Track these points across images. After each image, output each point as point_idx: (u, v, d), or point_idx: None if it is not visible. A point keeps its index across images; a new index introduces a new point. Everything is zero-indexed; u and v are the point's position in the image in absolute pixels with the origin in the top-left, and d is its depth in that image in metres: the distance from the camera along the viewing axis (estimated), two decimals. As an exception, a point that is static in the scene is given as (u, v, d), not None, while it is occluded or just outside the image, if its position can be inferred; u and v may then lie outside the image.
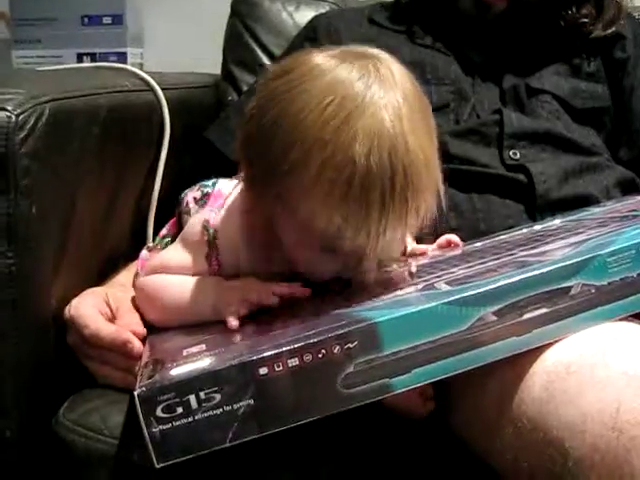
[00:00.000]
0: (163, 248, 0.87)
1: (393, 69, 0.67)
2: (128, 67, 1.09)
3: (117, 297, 0.85)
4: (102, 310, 0.82)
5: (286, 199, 0.66)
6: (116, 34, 1.71)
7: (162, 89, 1.02)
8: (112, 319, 0.82)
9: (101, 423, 0.78)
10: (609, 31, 1.08)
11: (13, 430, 0.79)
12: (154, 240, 0.96)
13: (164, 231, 0.91)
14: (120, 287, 0.89)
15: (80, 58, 1.72)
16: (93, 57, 1.71)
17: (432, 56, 1.07)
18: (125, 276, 0.92)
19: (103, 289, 0.87)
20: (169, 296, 0.77)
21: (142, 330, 0.80)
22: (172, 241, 0.86)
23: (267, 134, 0.66)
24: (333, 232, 0.64)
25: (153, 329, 0.78)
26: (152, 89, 1.01)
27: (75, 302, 0.83)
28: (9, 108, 0.76)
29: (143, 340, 0.77)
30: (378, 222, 0.63)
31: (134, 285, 0.84)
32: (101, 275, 0.92)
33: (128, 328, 0.80)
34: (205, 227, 0.76)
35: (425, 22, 1.12)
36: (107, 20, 1.71)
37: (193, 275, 0.76)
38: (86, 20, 1.72)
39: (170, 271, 0.77)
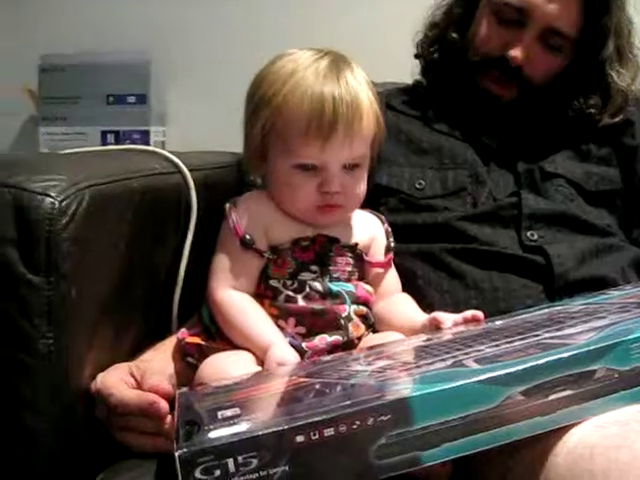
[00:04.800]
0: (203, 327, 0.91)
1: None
2: (157, 149, 1.10)
3: (140, 367, 0.88)
4: (126, 380, 0.85)
5: (275, 128, 0.87)
6: (140, 113, 1.75)
7: (189, 170, 1.04)
8: (137, 388, 0.84)
9: (135, 497, 0.79)
10: (616, 119, 1.11)
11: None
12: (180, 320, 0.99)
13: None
14: (144, 363, 0.90)
15: (104, 136, 1.76)
16: (117, 135, 1.75)
17: (449, 142, 1.11)
18: (150, 354, 0.94)
19: (127, 364, 0.89)
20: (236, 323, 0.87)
21: (168, 388, 0.82)
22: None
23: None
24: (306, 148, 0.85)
25: (181, 389, 0.79)
26: (180, 171, 1.03)
27: (100, 376, 0.86)
28: (52, 194, 0.78)
29: (172, 400, 0.78)
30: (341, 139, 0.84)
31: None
32: (128, 353, 0.93)
33: (153, 390, 0.82)
34: (228, 204, 0.91)
35: (440, 108, 1.16)
36: (131, 99, 1.75)
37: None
38: (111, 99, 1.76)
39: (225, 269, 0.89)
